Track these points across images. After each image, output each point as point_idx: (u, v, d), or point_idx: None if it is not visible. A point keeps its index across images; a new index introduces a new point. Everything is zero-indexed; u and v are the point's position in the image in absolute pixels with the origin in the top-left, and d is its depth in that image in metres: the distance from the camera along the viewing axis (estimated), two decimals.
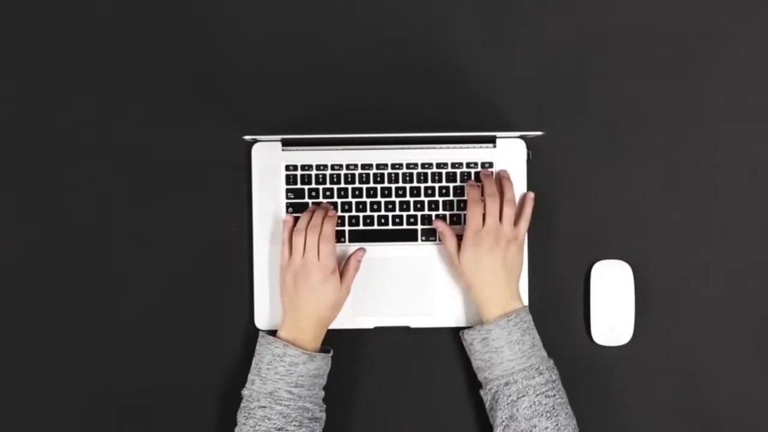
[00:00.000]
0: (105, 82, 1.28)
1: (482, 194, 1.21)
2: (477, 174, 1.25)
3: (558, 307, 1.27)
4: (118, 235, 1.27)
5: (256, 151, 1.26)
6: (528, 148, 1.26)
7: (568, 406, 1.17)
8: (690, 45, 1.28)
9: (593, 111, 1.28)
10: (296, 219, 1.23)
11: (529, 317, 1.19)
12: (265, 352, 1.17)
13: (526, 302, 1.24)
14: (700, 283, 1.27)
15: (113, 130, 1.27)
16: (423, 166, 1.26)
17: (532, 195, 1.24)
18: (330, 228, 1.20)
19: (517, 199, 1.24)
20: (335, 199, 1.25)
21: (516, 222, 1.22)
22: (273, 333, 1.20)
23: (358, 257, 1.23)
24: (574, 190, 1.28)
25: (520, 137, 1.26)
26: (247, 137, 1.21)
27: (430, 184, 1.26)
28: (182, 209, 1.27)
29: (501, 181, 1.23)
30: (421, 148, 1.25)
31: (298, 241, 1.19)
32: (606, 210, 1.28)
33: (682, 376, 1.27)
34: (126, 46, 1.28)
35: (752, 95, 1.28)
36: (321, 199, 1.25)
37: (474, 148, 1.25)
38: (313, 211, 1.22)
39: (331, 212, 1.22)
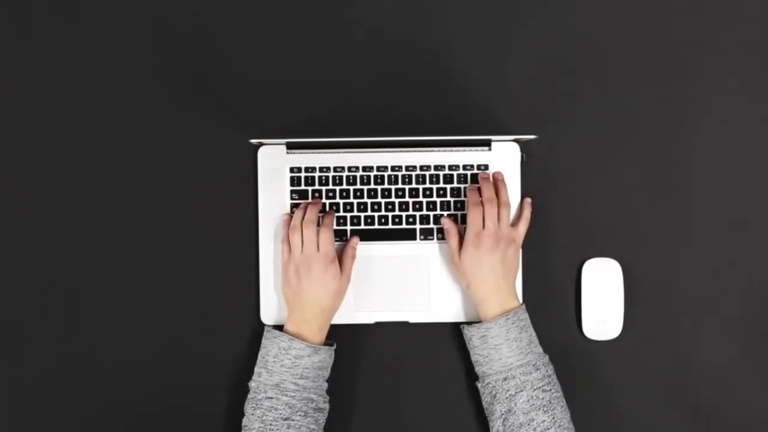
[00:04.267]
0: (114, 86, 1.29)
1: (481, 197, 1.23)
2: (475, 176, 1.27)
3: (551, 303, 1.29)
4: (128, 235, 1.28)
5: (262, 153, 1.27)
6: (522, 151, 1.27)
7: (563, 400, 1.19)
8: (675, 53, 1.29)
9: (584, 116, 1.29)
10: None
11: (526, 315, 1.21)
12: (271, 346, 1.19)
13: (521, 299, 1.26)
14: (687, 279, 1.29)
15: (122, 133, 1.28)
16: (421, 168, 1.27)
17: (529, 200, 1.26)
18: (330, 219, 1.23)
19: (517, 202, 1.26)
20: (338, 200, 1.27)
21: (515, 224, 1.25)
22: (279, 328, 1.22)
23: (354, 245, 1.25)
24: (565, 191, 1.29)
25: (515, 141, 1.27)
26: (254, 141, 1.22)
27: (428, 185, 1.27)
28: (191, 209, 1.28)
29: (497, 184, 1.25)
30: (420, 151, 1.27)
31: (295, 238, 1.21)
32: (596, 210, 1.29)
33: (670, 367, 1.28)
34: (136, 51, 1.29)
35: (734, 100, 1.29)
36: (323, 200, 1.27)
37: (470, 151, 1.27)
38: (306, 207, 1.24)
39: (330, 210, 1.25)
